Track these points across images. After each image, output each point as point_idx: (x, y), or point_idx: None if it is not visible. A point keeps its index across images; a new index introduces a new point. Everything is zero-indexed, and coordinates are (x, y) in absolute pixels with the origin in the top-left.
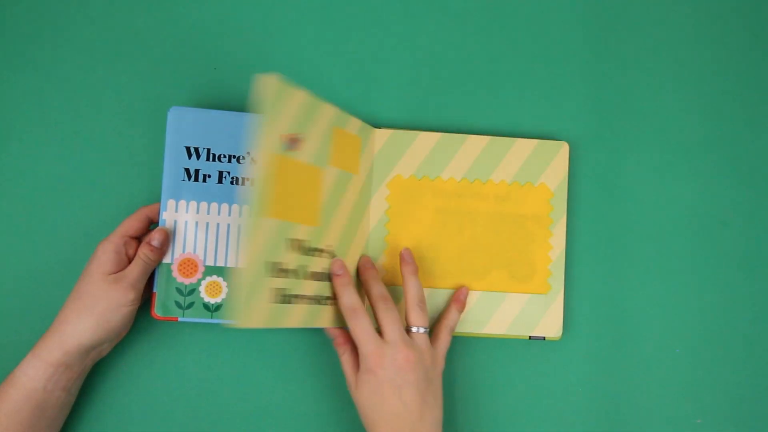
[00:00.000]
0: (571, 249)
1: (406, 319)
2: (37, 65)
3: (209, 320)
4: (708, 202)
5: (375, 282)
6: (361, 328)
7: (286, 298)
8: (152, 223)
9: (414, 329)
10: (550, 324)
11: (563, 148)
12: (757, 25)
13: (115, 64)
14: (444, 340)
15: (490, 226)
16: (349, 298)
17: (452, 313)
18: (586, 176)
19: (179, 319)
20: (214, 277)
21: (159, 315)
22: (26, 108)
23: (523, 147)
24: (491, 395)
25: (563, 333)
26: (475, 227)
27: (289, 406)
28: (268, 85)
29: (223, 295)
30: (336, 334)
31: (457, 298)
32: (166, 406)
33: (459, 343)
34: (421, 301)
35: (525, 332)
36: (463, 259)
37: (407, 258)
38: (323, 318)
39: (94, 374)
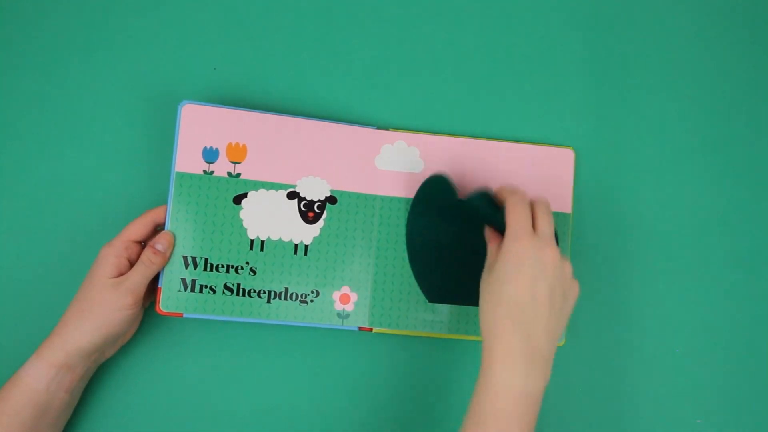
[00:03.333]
0: (573, 252)
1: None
2: (37, 65)
3: (214, 316)
4: (708, 204)
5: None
6: (521, 211)
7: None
8: (158, 226)
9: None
10: None
11: (569, 155)
12: (757, 26)
13: (116, 64)
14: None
15: None
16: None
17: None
18: (588, 179)
19: (184, 315)
20: None
21: (164, 310)
22: (26, 108)
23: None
24: None
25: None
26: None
27: (290, 406)
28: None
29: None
30: (492, 231)
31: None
32: (168, 404)
33: (461, 345)
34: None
35: None
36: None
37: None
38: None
39: (96, 370)
